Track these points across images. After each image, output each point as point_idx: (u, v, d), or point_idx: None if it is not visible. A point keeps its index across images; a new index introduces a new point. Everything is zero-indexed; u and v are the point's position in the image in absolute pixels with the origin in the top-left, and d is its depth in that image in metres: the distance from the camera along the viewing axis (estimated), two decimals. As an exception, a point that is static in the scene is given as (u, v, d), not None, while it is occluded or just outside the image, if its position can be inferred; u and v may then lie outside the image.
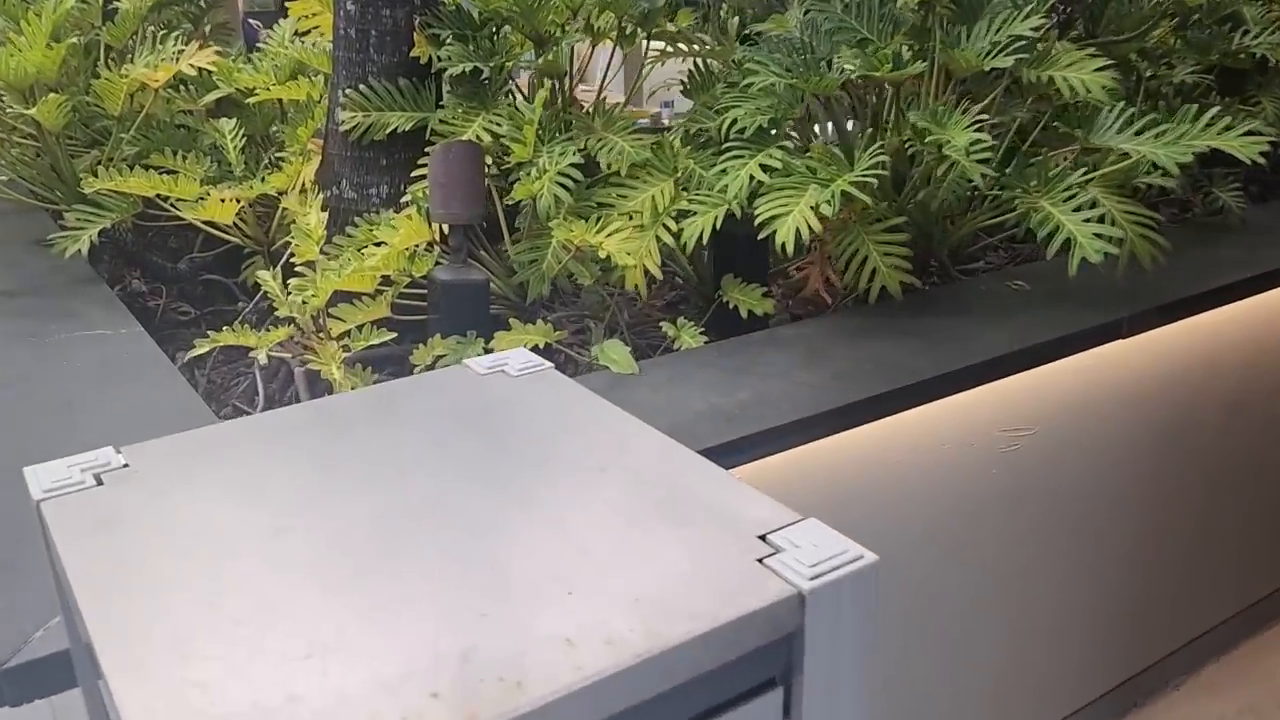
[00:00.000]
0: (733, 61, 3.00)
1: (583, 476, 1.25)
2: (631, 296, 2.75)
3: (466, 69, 2.69)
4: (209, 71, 3.22)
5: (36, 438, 2.01)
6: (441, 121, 2.74)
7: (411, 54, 2.80)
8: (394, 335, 2.33)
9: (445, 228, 2.54)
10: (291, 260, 2.57)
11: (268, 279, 2.40)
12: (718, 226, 2.53)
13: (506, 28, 2.92)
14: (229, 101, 3.35)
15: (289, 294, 2.37)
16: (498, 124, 2.70)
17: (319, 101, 2.96)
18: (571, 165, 2.52)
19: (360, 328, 2.36)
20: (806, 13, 3.07)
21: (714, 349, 2.47)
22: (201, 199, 2.82)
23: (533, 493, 1.21)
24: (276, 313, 2.42)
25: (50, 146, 3.19)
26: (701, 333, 2.52)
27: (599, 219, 2.59)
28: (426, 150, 2.74)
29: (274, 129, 3.25)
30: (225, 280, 3.75)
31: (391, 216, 2.66)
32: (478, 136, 2.65)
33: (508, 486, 1.23)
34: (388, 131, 2.76)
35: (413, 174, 2.75)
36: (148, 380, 2.32)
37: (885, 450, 2.34)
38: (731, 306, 2.66)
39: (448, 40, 2.77)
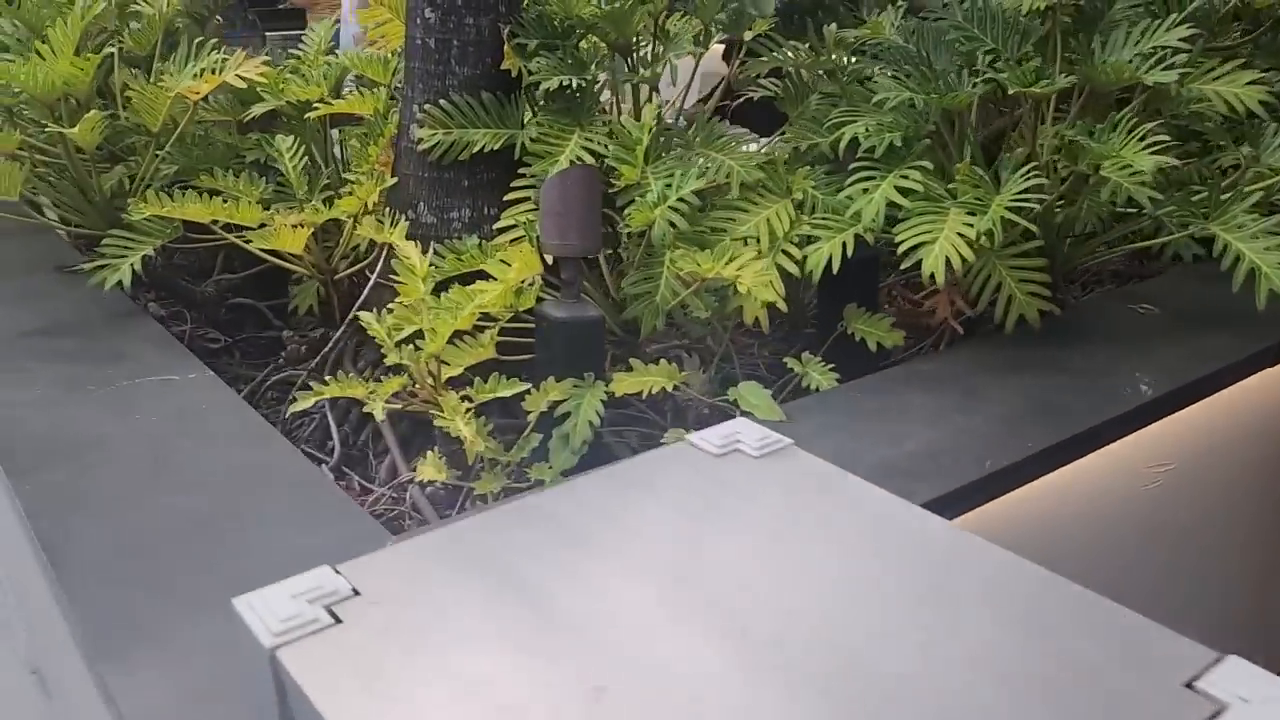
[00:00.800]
0: (839, 71, 2.80)
1: (935, 602, 1.04)
2: (740, 328, 2.54)
3: (563, 83, 2.45)
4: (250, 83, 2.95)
5: (152, 523, 1.75)
6: (533, 140, 2.50)
7: (498, 66, 2.56)
8: (526, 386, 2.09)
9: (549, 258, 2.31)
10: (363, 285, 2.32)
11: (372, 322, 2.15)
12: (848, 253, 2.33)
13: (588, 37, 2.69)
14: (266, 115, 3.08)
15: (391, 334, 2.13)
16: (597, 143, 2.47)
17: (386, 117, 2.70)
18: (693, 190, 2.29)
19: (483, 375, 2.12)
20: (904, 17, 2.88)
21: (854, 390, 2.27)
22: (264, 225, 2.55)
23: (892, 618, 1.00)
24: (385, 359, 2.17)
25: (75, 165, 2.90)
26: (831, 368, 2.32)
27: (718, 247, 2.37)
28: (522, 172, 2.51)
29: (331, 146, 2.99)
30: (257, 304, 3.47)
31: (497, 247, 2.43)
32: (577, 157, 2.42)
33: (866, 608, 1.01)
34: (471, 151, 2.52)
35: (506, 198, 2.52)
36: (241, 437, 2.06)
37: (1051, 501, 2.16)
38: (858, 339, 2.46)
39: (535, 50, 2.54)
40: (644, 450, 2.35)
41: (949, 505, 1.83)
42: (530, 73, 2.51)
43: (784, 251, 2.41)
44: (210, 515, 1.74)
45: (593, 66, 2.58)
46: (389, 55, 3.04)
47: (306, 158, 2.73)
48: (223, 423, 2.11)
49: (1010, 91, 2.30)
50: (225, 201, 2.53)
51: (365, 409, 2.27)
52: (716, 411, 2.48)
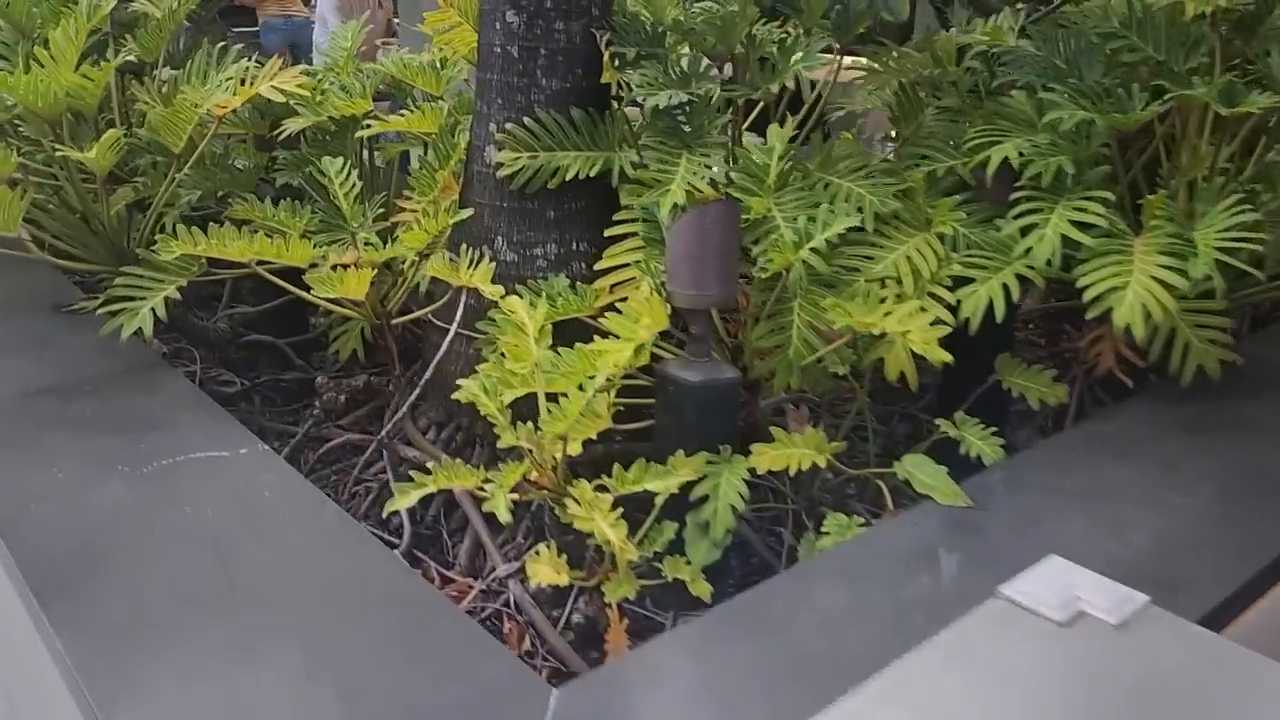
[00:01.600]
0: (959, 81, 2.47)
1: None
2: (852, 385, 2.20)
3: (674, 99, 2.09)
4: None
5: (230, 682, 1.37)
6: (636, 166, 2.15)
7: (591, 79, 2.20)
8: (682, 478, 1.73)
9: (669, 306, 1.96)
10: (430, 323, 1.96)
11: (480, 396, 1.77)
12: (1012, 297, 2.00)
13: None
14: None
15: (500, 407, 1.76)
16: (712, 169, 2.12)
17: (453, 136, 2.33)
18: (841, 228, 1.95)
19: (623, 463, 1.76)
20: (1033, 21, 2.56)
21: (1034, 462, 1.95)
22: (316, 265, 2.17)
23: None
24: (499, 441, 1.80)
25: (79, 191, 2.49)
26: (993, 433, 1.99)
27: (855, 290, 2.04)
28: (625, 204, 2.15)
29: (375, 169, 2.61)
30: (276, 342, 3.08)
31: (596, 291, 2.07)
32: (691, 187, 2.07)
33: None
34: (561, 177, 2.16)
35: (607, 232, 2.16)
36: (320, 536, 1.69)
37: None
38: (1014, 394, 2.14)
39: (636, 60, 2.18)
40: (793, 540, 2.03)
41: (1212, 621, 1.51)
42: (629, 87, 2.15)
43: (930, 294, 2.08)
44: (307, 669, 1.37)
45: (694, 80, 2.22)
46: (438, 63, 2.67)
47: (359, 182, 2.34)
48: (293, 517, 1.74)
49: (1224, 112, 1.97)
50: (269, 237, 2.14)
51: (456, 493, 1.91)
52: (858, 486, 2.15)
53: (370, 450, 2.35)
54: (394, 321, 2.36)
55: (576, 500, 1.64)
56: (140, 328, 2.27)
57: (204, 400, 2.18)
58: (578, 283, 2.17)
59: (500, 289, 2.05)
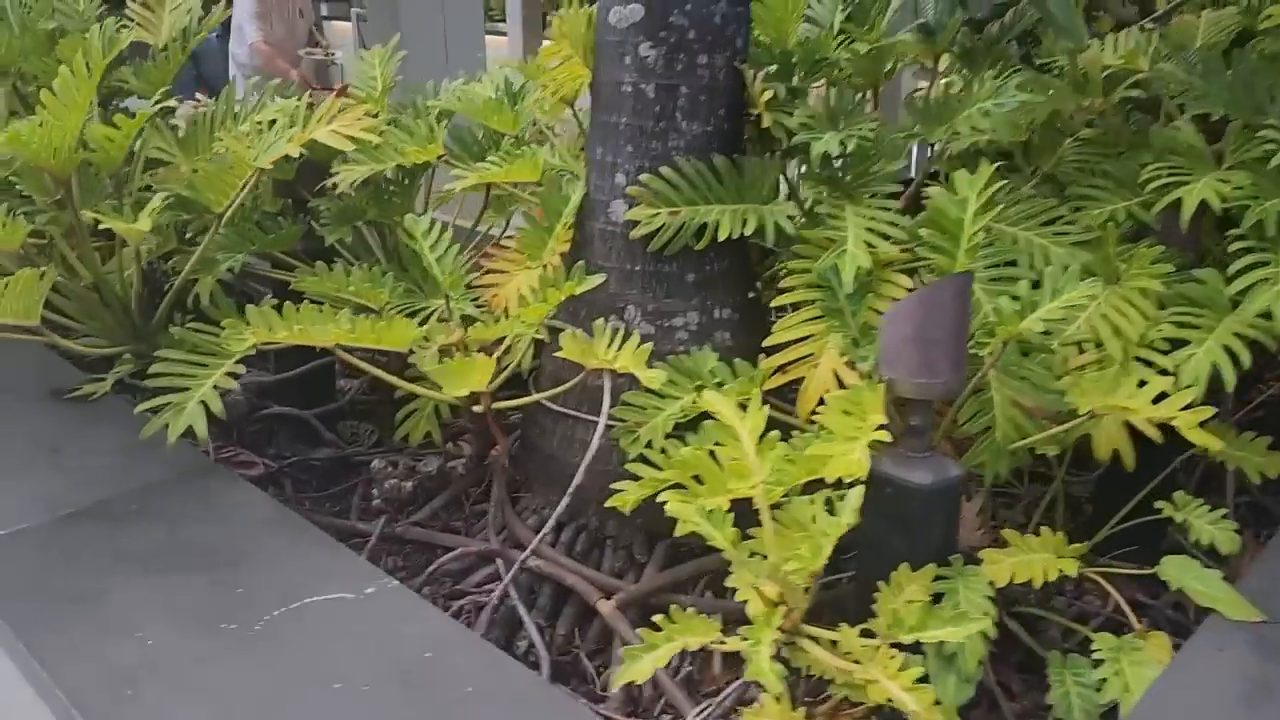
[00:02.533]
0: (1108, 111, 2.23)
1: None
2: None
3: (846, 144, 1.79)
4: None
5: None
6: (796, 219, 1.84)
7: (730, 120, 1.89)
8: (980, 623, 1.43)
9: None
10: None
11: (702, 523, 1.43)
12: (1240, 362, 1.76)
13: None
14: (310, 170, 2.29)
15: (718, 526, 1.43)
16: (889, 224, 1.83)
17: (561, 188, 1.98)
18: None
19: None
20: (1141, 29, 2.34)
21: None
22: (420, 348, 1.81)
23: None
24: (728, 577, 1.46)
25: (90, 259, 2.07)
26: (1223, 516, 1.75)
27: (1053, 358, 1.78)
28: (782, 268, 1.84)
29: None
30: (301, 414, 2.67)
31: (762, 373, 1.76)
32: (869, 246, 1.77)
33: None
34: (709, 236, 1.84)
35: (777, 301, 1.84)
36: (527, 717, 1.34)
37: None
38: (1230, 467, 1.90)
39: (792, 97, 1.87)
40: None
41: None
42: (789, 131, 1.84)
43: (1139, 359, 1.83)
44: None
45: (841, 120, 1.93)
46: (501, 96, 2.31)
47: (452, 244, 1.98)
48: (478, 691, 1.38)
49: None
50: (369, 323, 1.76)
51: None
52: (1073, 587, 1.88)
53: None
54: (496, 406, 2.00)
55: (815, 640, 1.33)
56: (196, 428, 1.87)
57: (286, 516, 1.80)
58: (740, 363, 1.84)
59: (660, 374, 1.72)
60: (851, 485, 1.45)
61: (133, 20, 2.52)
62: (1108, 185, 2.09)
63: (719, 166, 1.88)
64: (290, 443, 2.63)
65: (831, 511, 1.43)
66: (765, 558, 1.43)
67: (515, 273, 2.08)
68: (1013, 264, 1.83)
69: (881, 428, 1.52)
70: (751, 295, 1.84)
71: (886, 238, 1.82)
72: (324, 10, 8.77)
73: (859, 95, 2.00)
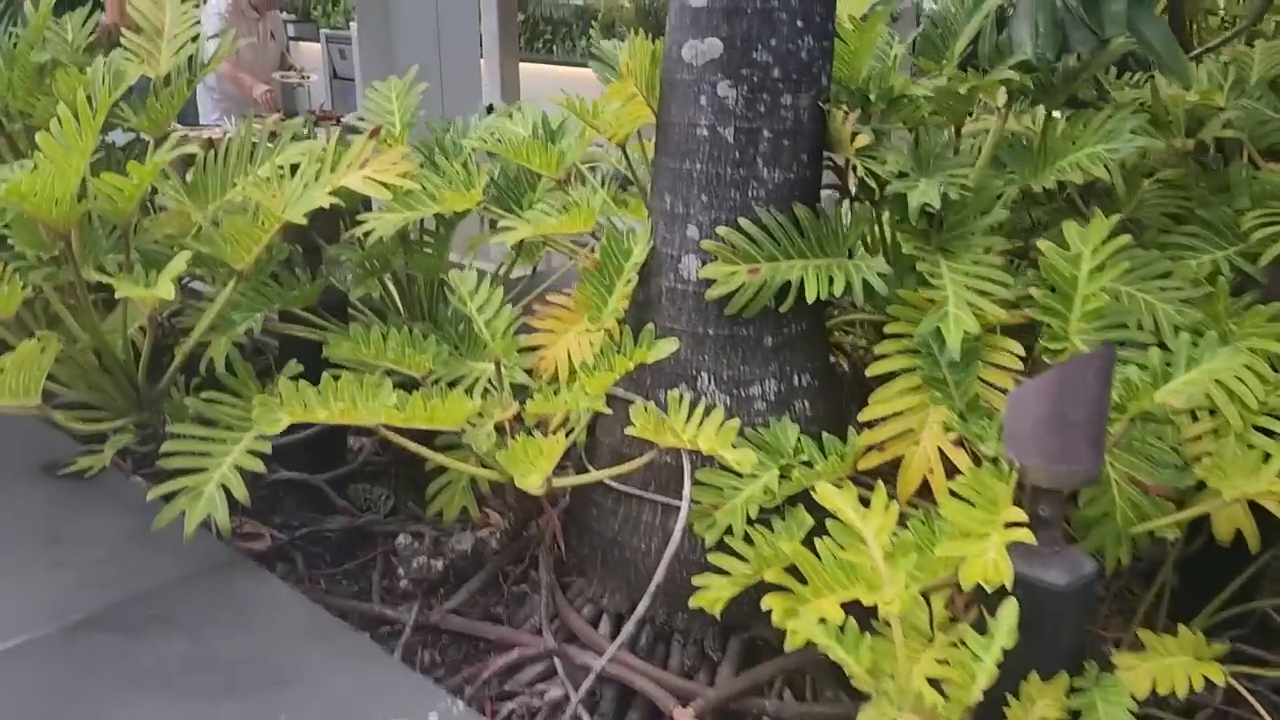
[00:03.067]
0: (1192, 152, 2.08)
1: None
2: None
3: (945, 190, 1.62)
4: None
5: None
6: (890, 277, 1.66)
7: (812, 166, 1.71)
8: None
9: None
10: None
11: (832, 645, 1.24)
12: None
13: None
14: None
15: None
16: (993, 282, 1.65)
17: (623, 241, 1.79)
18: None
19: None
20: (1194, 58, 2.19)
21: None
22: (474, 424, 1.61)
23: None
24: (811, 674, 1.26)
25: (88, 321, 1.85)
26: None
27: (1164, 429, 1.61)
28: (894, 333, 1.66)
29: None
30: (312, 479, 2.44)
31: (853, 450, 1.57)
32: (973, 307, 1.60)
33: None
34: (793, 296, 1.66)
35: (875, 370, 1.66)
36: None
37: None
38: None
39: (883, 140, 1.70)
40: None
41: None
42: (881, 180, 1.67)
43: (1258, 427, 1.66)
44: None
45: (930, 163, 1.75)
46: (539, 134, 2.12)
47: (505, 307, 1.78)
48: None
49: None
50: (423, 401, 1.56)
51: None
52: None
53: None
54: (559, 483, 1.80)
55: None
56: (215, 514, 1.66)
57: (325, 622, 1.59)
58: (829, 438, 1.66)
59: (750, 456, 1.53)
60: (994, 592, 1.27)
61: (126, 50, 2.31)
62: (1202, 232, 1.94)
63: (802, 217, 1.70)
64: (299, 510, 2.41)
65: (979, 629, 1.25)
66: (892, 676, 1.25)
67: (564, 331, 1.89)
68: (1123, 325, 1.66)
69: (1018, 525, 1.34)
70: (831, 359, 1.65)
71: (987, 295, 1.64)
72: (291, 31, 8.53)
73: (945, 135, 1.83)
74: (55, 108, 1.91)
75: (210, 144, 2.30)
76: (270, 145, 1.97)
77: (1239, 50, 2.53)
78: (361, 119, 2.38)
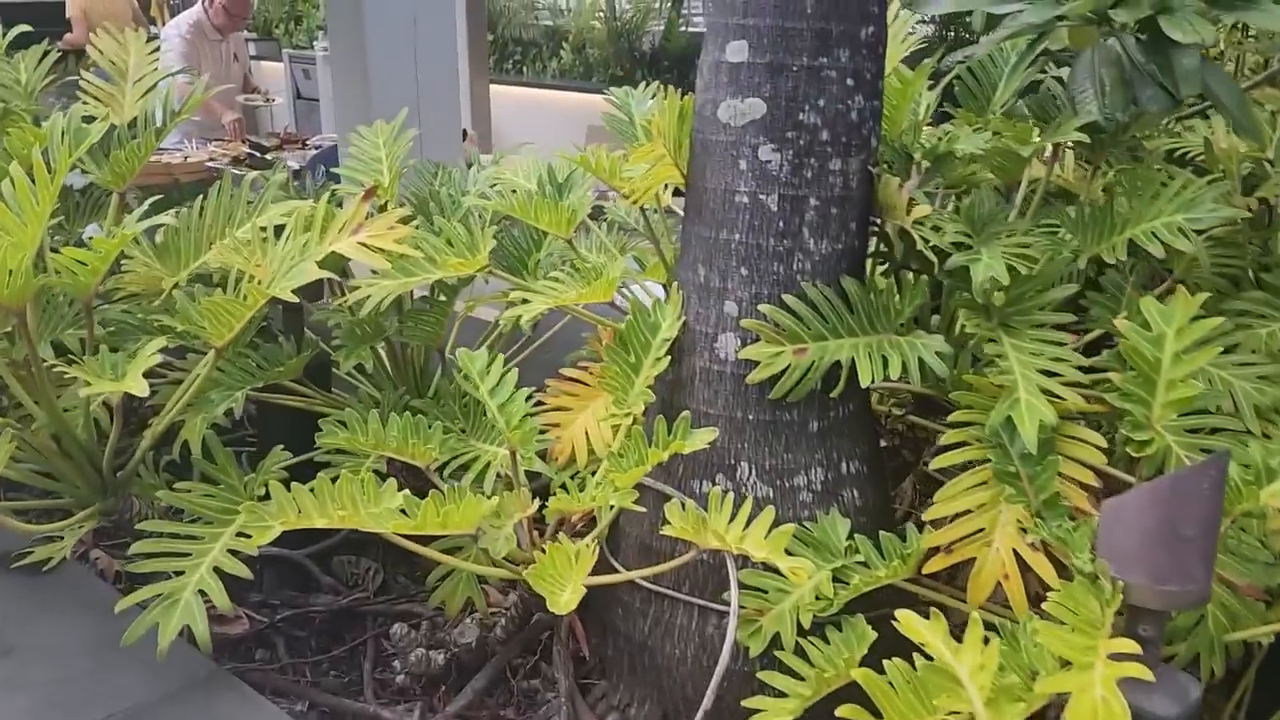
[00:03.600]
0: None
1: None
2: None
3: (1011, 269, 1.46)
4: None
5: None
6: (948, 357, 1.51)
7: (859, 235, 1.55)
8: None
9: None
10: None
11: None
12: None
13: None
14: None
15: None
16: (1064, 364, 1.50)
17: (649, 318, 1.61)
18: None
19: None
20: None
21: None
22: (493, 526, 1.43)
23: None
24: None
25: (49, 402, 1.65)
26: None
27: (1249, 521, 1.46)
28: (960, 420, 1.50)
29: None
30: (293, 555, 2.23)
31: (908, 550, 1.41)
32: (1048, 393, 1.44)
33: None
34: (844, 379, 1.50)
35: (938, 464, 1.49)
36: None
37: None
38: None
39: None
40: None
41: None
42: (939, 252, 1.51)
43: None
44: None
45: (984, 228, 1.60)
46: (546, 190, 1.95)
47: (522, 391, 1.60)
48: None
49: None
50: (443, 502, 1.37)
51: None
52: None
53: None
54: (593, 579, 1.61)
55: None
56: (188, 626, 1.46)
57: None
58: (889, 535, 1.50)
59: (805, 563, 1.37)
60: None
61: (83, 90, 2.11)
62: (1269, 299, 1.80)
63: (850, 291, 1.54)
64: (279, 587, 2.20)
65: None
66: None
67: (580, 409, 1.71)
68: (1207, 411, 1.52)
69: (1128, 656, 1.18)
70: (933, 464, 1.49)
71: (1057, 378, 1.49)
72: (251, 50, 8.32)
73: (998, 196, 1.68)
74: (6, 165, 1.72)
75: (176, 183, 2.11)
76: (250, 201, 1.78)
77: (1268, 93, 2.41)
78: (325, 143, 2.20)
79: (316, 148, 6.00)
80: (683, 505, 1.45)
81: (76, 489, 1.75)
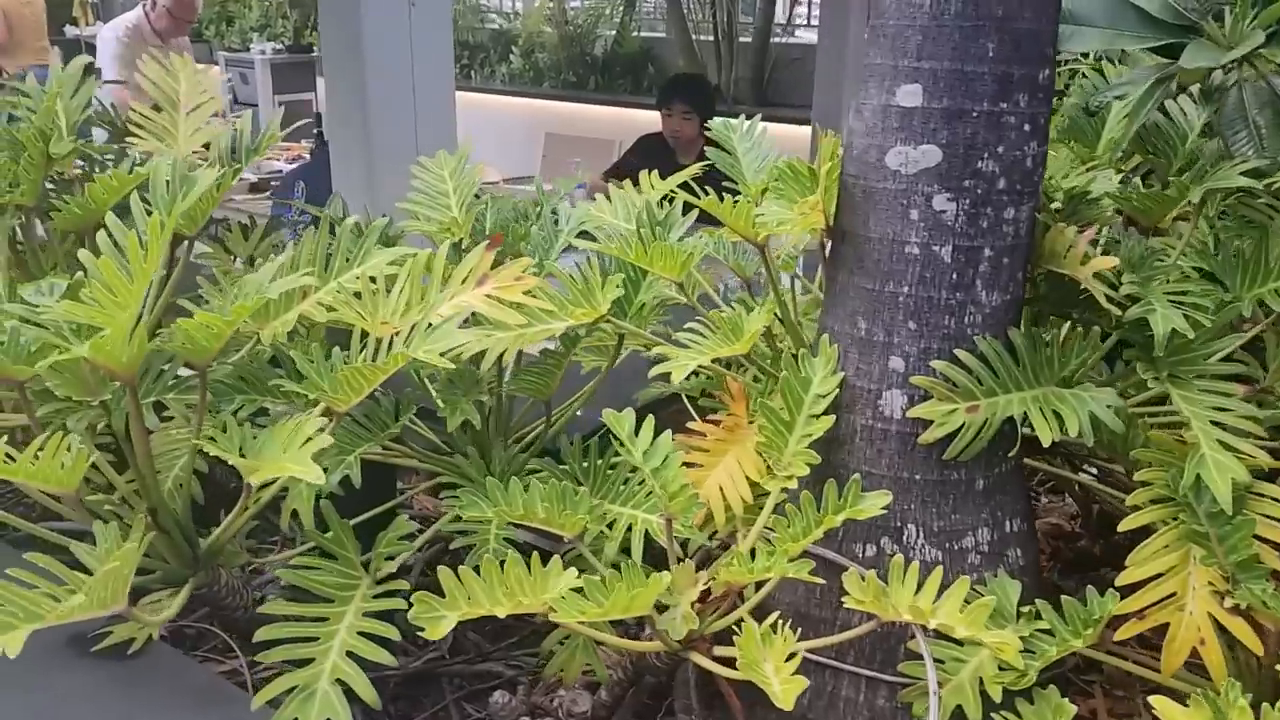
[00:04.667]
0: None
1: None
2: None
3: (1189, 322, 1.42)
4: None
5: None
6: (1118, 412, 1.46)
7: (1023, 285, 1.50)
8: None
9: None
10: None
11: None
12: None
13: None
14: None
15: None
16: (1242, 417, 1.46)
17: (800, 368, 1.53)
18: None
19: None
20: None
21: None
22: (671, 603, 1.34)
23: None
24: None
25: (145, 474, 1.51)
26: None
27: None
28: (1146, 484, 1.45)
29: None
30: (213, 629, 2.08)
31: (1093, 613, 1.36)
32: (1231, 449, 1.40)
33: None
34: (1017, 437, 1.44)
35: (1128, 524, 1.44)
36: None
37: None
38: None
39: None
40: None
41: None
42: (1125, 301, 1.46)
43: None
44: None
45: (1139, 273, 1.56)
46: (646, 227, 1.86)
47: (677, 453, 1.51)
48: None
49: None
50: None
51: None
52: None
53: None
54: (717, 654, 1.53)
55: None
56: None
57: None
58: (1083, 603, 1.44)
59: (1014, 640, 1.30)
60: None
61: (132, 127, 1.96)
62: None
63: (1017, 343, 1.48)
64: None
65: None
66: None
67: (715, 464, 1.63)
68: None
69: None
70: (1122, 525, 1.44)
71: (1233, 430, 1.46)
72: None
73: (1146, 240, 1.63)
74: (83, 207, 1.57)
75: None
76: (349, 251, 1.65)
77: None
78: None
79: (289, 162, 5.75)
80: (863, 578, 1.38)
81: (166, 564, 1.60)
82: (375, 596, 1.51)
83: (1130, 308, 1.44)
